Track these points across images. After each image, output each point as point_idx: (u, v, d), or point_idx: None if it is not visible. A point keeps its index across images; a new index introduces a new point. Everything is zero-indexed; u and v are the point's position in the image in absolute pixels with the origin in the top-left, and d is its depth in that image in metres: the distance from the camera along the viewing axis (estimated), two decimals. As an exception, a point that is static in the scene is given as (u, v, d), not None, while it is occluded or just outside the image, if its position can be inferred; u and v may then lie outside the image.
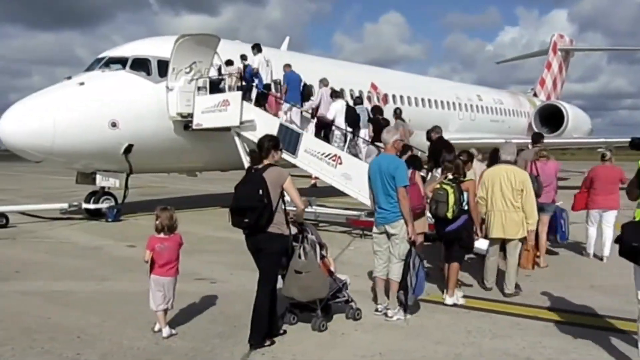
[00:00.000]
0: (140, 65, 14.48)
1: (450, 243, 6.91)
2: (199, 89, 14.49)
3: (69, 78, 14.30)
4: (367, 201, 10.77)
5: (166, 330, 5.58)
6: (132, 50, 14.91)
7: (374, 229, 6.56)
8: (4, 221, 12.82)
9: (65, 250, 10.26)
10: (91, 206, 14.17)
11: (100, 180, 14.09)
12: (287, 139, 12.97)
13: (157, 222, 5.69)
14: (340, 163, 12.14)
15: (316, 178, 18.29)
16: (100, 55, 15.06)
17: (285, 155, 13.13)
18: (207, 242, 11.17)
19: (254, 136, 13.72)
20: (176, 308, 6.53)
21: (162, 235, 5.66)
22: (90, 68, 14.74)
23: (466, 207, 6.83)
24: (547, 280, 8.07)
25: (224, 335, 5.63)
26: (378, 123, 13.11)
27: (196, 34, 14.71)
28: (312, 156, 12.65)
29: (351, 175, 11.88)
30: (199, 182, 23.97)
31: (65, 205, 14.35)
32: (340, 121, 13.55)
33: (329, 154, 12.41)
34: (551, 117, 32.69)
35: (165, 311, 5.67)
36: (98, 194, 14.34)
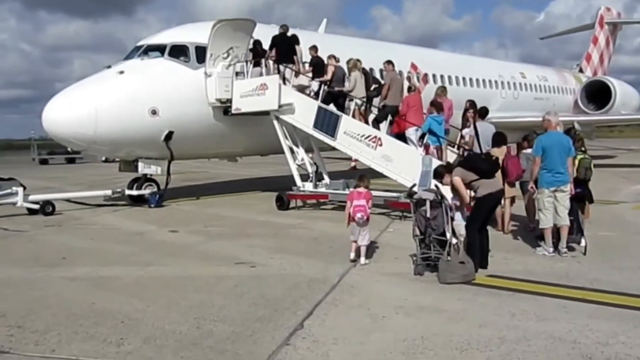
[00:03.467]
0: (178, 52, 14.51)
1: (581, 198, 8.72)
2: (236, 74, 14.48)
3: (109, 67, 14.45)
4: (407, 182, 10.65)
5: (362, 260, 7.84)
6: (170, 37, 14.96)
7: (545, 191, 8.14)
8: (50, 209, 13.09)
9: (110, 236, 10.44)
10: (134, 192, 14.42)
11: (143, 168, 14.29)
12: (326, 122, 12.87)
13: (357, 183, 8.43)
14: (381, 145, 11.95)
15: (356, 160, 18.14)
16: (139, 44, 15.14)
17: (324, 138, 13.05)
18: (248, 226, 11.24)
19: (293, 119, 13.64)
20: (216, 292, 6.62)
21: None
22: (129, 56, 14.82)
23: None
24: (595, 262, 7.83)
25: (264, 319, 5.61)
26: None
27: (232, 19, 14.67)
28: (351, 138, 12.48)
29: (392, 157, 11.71)
30: (239, 167, 24.13)
31: (108, 192, 14.65)
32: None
33: (368, 136, 12.22)
34: (598, 94, 31.61)
35: (363, 247, 7.92)
36: (140, 181, 14.57)
